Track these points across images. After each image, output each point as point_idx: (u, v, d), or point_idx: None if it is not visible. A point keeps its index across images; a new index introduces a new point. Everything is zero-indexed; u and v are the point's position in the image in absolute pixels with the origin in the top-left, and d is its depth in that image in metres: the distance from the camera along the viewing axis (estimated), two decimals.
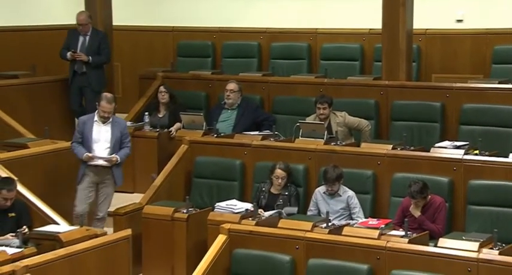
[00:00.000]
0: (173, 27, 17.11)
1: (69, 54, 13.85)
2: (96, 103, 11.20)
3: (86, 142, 10.72)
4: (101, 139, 10.78)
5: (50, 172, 12.30)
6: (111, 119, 10.89)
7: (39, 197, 11.38)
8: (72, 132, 13.13)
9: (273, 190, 11.76)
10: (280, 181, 11.66)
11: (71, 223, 11.06)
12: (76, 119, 12.57)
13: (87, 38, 13.82)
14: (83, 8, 15.95)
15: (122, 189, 13.01)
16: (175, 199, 12.44)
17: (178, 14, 17.05)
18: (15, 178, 11.17)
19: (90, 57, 13.85)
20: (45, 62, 15.79)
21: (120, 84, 16.30)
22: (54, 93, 15.12)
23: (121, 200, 12.31)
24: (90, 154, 10.55)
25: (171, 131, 14.06)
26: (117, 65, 15.50)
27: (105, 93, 10.80)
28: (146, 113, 14.50)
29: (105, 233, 10.84)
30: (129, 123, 14.58)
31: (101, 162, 10.73)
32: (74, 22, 16.15)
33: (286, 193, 11.72)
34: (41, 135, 13.30)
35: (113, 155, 10.81)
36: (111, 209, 11.78)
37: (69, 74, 14.24)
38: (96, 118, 10.77)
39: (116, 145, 10.94)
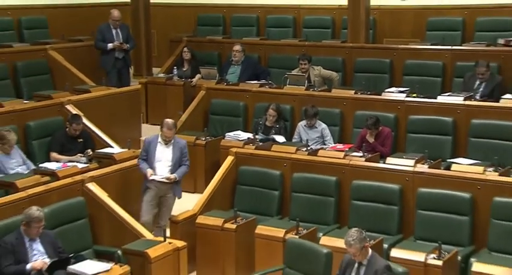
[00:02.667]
0: (194, 3, 16.97)
1: (113, 44, 13.44)
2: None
3: (149, 160, 9.62)
4: (163, 159, 9.63)
5: (106, 109, 12.27)
6: (172, 141, 9.74)
7: (99, 127, 11.52)
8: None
9: (267, 123, 11.78)
10: (272, 117, 11.72)
11: (121, 147, 11.22)
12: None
13: (119, 30, 13.51)
14: None
15: None
16: (197, 127, 12.55)
17: None
18: (81, 114, 11.33)
19: (128, 45, 13.63)
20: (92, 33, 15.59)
21: (156, 46, 16.25)
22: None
23: None
24: (150, 174, 9.43)
25: (192, 81, 13.93)
26: (153, 32, 15.46)
27: (166, 120, 9.71)
28: (175, 67, 14.49)
29: None
30: (161, 74, 14.77)
31: (161, 179, 9.55)
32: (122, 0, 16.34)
33: (277, 126, 11.75)
34: (98, 83, 13.34)
35: (172, 175, 9.56)
36: None
37: (109, 59, 13.71)
38: (159, 140, 9.66)
39: (177, 163, 9.71)
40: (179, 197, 9.86)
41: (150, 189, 9.51)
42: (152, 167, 9.59)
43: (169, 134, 9.64)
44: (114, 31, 13.12)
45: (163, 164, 9.68)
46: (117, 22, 13.30)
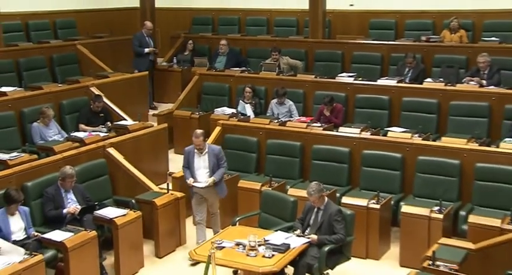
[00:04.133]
0: (190, 8, 16.76)
1: (149, 49, 13.14)
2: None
3: (190, 169, 8.53)
4: (201, 167, 8.46)
5: (121, 90, 12.15)
6: (206, 149, 8.52)
7: (115, 104, 11.45)
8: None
9: (245, 100, 11.66)
10: (248, 93, 11.63)
11: (135, 119, 11.17)
12: None
13: (151, 38, 13.24)
14: None
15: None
16: (192, 104, 12.42)
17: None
18: (102, 94, 11.29)
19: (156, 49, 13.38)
20: (115, 30, 15.57)
21: (160, 41, 16.08)
22: (125, 48, 14.96)
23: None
24: (190, 182, 8.39)
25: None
26: (157, 30, 15.24)
27: (195, 131, 8.56)
28: (174, 57, 14.41)
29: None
30: (164, 63, 14.68)
31: (202, 186, 8.45)
32: (133, 5, 16.04)
33: (253, 102, 11.67)
34: (115, 70, 13.18)
35: (211, 179, 8.38)
36: None
37: (143, 62, 13.29)
38: (195, 150, 8.51)
39: (215, 168, 8.49)
40: (223, 196, 8.76)
41: (196, 194, 8.55)
42: (193, 175, 8.50)
43: (197, 142, 8.43)
44: (147, 39, 12.93)
45: (202, 171, 8.51)
46: (150, 31, 13.09)
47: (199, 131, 8.51)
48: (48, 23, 14.92)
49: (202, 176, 8.49)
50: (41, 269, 6.81)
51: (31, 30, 14.52)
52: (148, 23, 13.37)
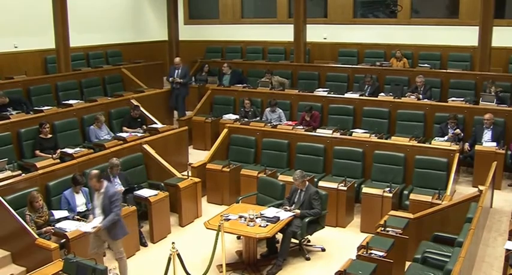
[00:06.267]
0: (205, 40, 16.57)
1: (171, 79, 12.62)
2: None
3: (92, 205, 6.54)
4: (97, 206, 6.31)
5: (153, 101, 12.06)
6: (103, 189, 6.25)
7: (149, 112, 11.32)
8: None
9: (246, 109, 11.52)
10: (247, 104, 11.50)
11: (163, 123, 11.11)
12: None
13: (179, 70, 12.72)
14: (166, 29, 15.96)
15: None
16: (206, 112, 12.21)
17: (206, 34, 16.63)
18: (139, 104, 11.22)
19: (182, 80, 12.71)
20: (149, 57, 15.49)
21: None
22: (156, 70, 14.84)
23: None
24: (90, 220, 6.46)
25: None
26: (181, 58, 15.17)
27: (89, 173, 6.40)
28: (193, 77, 14.20)
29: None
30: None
31: (87, 230, 6.29)
32: (162, 38, 16.18)
33: (252, 109, 11.51)
34: (148, 86, 13.13)
35: (96, 228, 6.15)
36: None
37: (171, 89, 12.73)
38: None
39: (106, 210, 6.21)
40: (119, 239, 6.40)
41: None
42: (93, 212, 6.41)
43: (91, 183, 6.30)
44: (176, 71, 12.74)
45: (98, 211, 6.30)
46: (178, 65, 12.86)
47: (93, 172, 6.33)
48: (102, 53, 14.89)
49: (98, 215, 6.34)
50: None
51: (90, 58, 14.53)
52: (176, 59, 13.10)
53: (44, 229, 6.69)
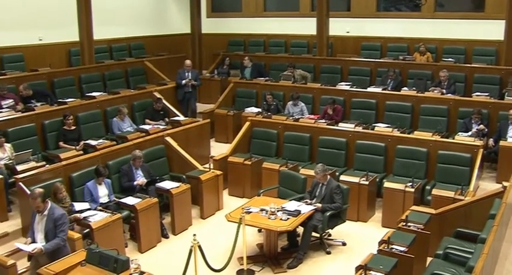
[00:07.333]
0: (227, 33, 16.56)
1: (184, 81, 12.27)
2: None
3: (31, 229, 5.71)
4: (39, 230, 5.58)
5: (175, 94, 12.19)
6: (46, 212, 5.52)
7: (171, 104, 11.42)
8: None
9: (268, 102, 11.49)
10: (269, 97, 11.45)
11: (184, 116, 11.13)
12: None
13: (190, 72, 12.54)
14: (188, 22, 15.95)
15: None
16: (228, 105, 12.18)
17: (229, 27, 16.60)
18: (162, 97, 11.26)
19: (195, 82, 12.59)
20: (172, 50, 15.49)
21: (204, 57, 16.05)
22: (179, 63, 14.85)
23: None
24: (27, 242, 5.63)
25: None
26: (203, 50, 15.18)
27: (32, 192, 5.62)
28: (215, 70, 14.26)
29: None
30: (208, 74, 14.58)
31: (28, 250, 5.49)
32: (185, 31, 16.14)
33: (274, 103, 11.45)
34: (171, 79, 13.05)
35: (36, 249, 5.39)
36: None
37: (182, 91, 12.32)
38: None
39: (50, 234, 5.48)
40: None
41: (33, 257, 5.62)
42: (33, 236, 5.61)
43: (34, 204, 5.51)
44: (187, 73, 12.68)
45: (39, 235, 5.54)
46: (189, 67, 12.81)
47: (37, 191, 5.58)
48: (125, 46, 14.94)
49: (40, 240, 5.56)
50: (120, 224, 6.95)
51: (113, 51, 14.57)
52: (187, 61, 12.89)
53: (73, 215, 6.74)
